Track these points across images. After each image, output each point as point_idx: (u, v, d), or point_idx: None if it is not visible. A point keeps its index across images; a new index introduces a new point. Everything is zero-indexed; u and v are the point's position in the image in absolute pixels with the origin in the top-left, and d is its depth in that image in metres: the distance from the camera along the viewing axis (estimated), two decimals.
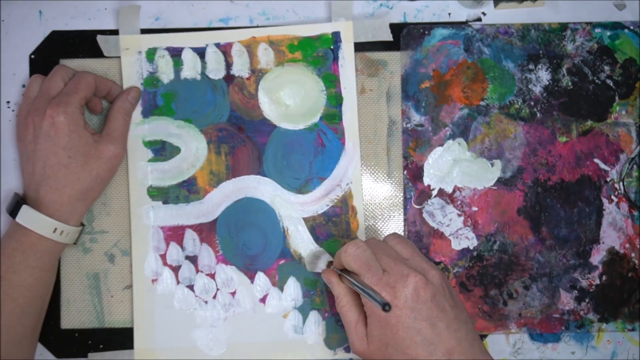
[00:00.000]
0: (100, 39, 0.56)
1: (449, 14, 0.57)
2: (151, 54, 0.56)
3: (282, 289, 0.55)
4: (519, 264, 0.55)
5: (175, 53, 0.56)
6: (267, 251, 0.55)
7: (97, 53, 0.56)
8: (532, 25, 0.56)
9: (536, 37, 0.56)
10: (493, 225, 0.55)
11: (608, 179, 0.56)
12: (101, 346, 0.55)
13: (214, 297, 0.55)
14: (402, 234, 0.56)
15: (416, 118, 0.56)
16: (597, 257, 0.55)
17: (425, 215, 0.55)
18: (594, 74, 0.56)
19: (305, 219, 0.55)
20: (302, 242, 0.55)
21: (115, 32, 0.56)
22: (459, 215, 0.55)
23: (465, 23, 0.57)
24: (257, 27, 0.56)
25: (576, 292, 0.55)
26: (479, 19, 0.57)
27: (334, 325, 0.54)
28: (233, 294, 0.55)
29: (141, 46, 0.56)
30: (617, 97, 0.56)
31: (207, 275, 0.55)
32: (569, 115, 0.56)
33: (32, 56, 0.56)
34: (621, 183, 0.56)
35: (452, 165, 0.55)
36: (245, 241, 0.55)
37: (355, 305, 0.47)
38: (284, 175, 0.55)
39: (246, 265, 0.55)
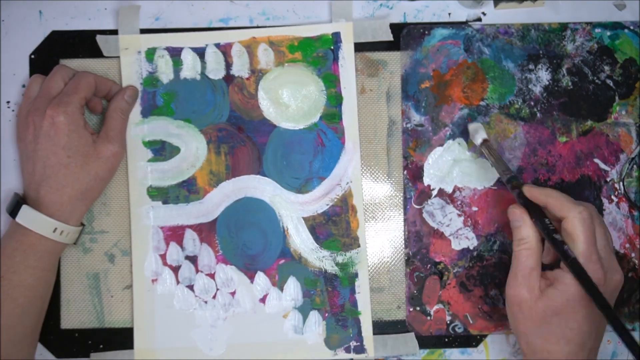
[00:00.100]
0: (99, 39, 0.56)
1: (449, 14, 0.57)
2: (151, 54, 0.56)
3: (282, 289, 0.55)
4: None
5: (175, 53, 0.56)
6: (267, 251, 0.55)
7: (97, 53, 0.56)
8: (532, 25, 0.56)
9: (536, 37, 0.56)
10: (493, 225, 0.55)
11: (608, 179, 0.56)
12: (101, 346, 0.55)
13: (214, 297, 0.55)
14: (402, 234, 0.56)
15: (416, 118, 0.56)
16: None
17: (425, 215, 0.55)
18: (594, 74, 0.56)
19: (305, 219, 0.55)
20: (302, 242, 0.55)
21: (115, 32, 0.56)
22: (459, 215, 0.55)
23: (465, 23, 0.57)
24: (257, 27, 0.56)
25: None
26: (479, 19, 0.57)
27: (334, 325, 0.54)
28: (233, 294, 0.55)
29: (141, 46, 0.56)
30: (617, 97, 0.56)
31: (207, 275, 0.55)
32: (569, 115, 0.56)
33: (32, 56, 0.56)
34: (621, 183, 0.56)
35: (452, 165, 0.55)
36: (245, 241, 0.55)
37: (536, 253, 0.46)
38: (284, 175, 0.55)
39: (246, 265, 0.55)
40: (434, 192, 0.56)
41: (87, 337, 0.55)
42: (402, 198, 0.56)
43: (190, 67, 0.56)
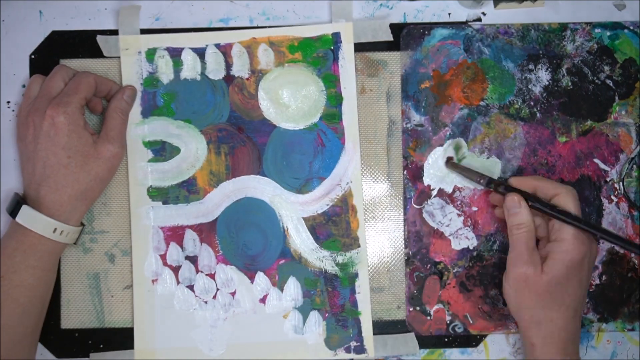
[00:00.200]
0: (100, 39, 0.56)
1: (449, 14, 0.57)
2: (151, 54, 0.56)
3: (282, 289, 0.55)
4: None
5: (175, 53, 0.56)
6: (267, 251, 0.55)
7: (97, 53, 0.56)
8: (532, 26, 0.56)
9: (536, 37, 0.56)
10: (493, 225, 0.55)
11: (608, 179, 0.56)
12: (101, 346, 0.55)
13: (214, 297, 0.55)
14: (402, 234, 0.56)
15: (416, 118, 0.56)
16: (597, 257, 0.55)
17: (425, 215, 0.55)
18: (594, 74, 0.56)
19: (305, 219, 0.55)
20: (302, 242, 0.55)
21: (115, 32, 0.56)
22: (459, 215, 0.55)
23: (465, 23, 0.57)
24: (257, 27, 0.56)
25: None
26: (479, 19, 0.57)
27: (334, 326, 0.54)
28: (233, 294, 0.55)
29: (141, 46, 0.56)
30: (617, 97, 0.56)
31: (207, 275, 0.55)
32: (568, 115, 0.56)
33: (32, 56, 0.56)
34: (621, 183, 0.56)
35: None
36: (245, 241, 0.55)
37: (534, 235, 0.50)
38: (284, 175, 0.55)
39: (246, 265, 0.55)
40: (434, 192, 0.56)
41: (87, 337, 0.55)
42: (402, 198, 0.56)
43: (190, 68, 0.56)
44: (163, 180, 0.55)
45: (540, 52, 0.56)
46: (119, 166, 0.54)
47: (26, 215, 0.49)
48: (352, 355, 0.54)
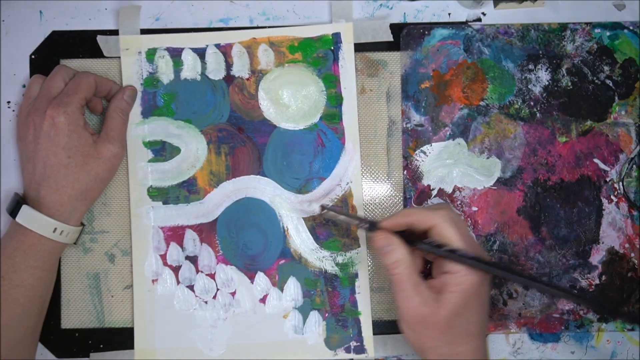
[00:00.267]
0: (100, 39, 0.56)
1: (449, 14, 0.57)
2: (151, 54, 0.56)
3: (282, 289, 0.55)
4: (519, 263, 0.55)
5: (175, 53, 0.56)
6: (267, 251, 0.55)
7: (97, 53, 0.56)
8: (531, 26, 0.56)
9: (536, 37, 0.56)
10: (493, 225, 0.55)
11: (608, 179, 0.56)
12: (101, 346, 0.55)
13: (214, 297, 0.55)
14: None
15: (416, 118, 0.56)
16: (597, 257, 0.55)
17: None
18: (594, 74, 0.56)
19: (305, 219, 0.55)
20: (302, 242, 0.55)
21: (115, 32, 0.56)
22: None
23: (465, 23, 0.57)
24: (258, 27, 0.56)
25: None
26: (479, 19, 0.57)
27: (334, 326, 0.54)
28: (233, 294, 0.55)
29: (141, 46, 0.56)
30: (616, 97, 0.56)
31: (207, 275, 0.55)
32: (568, 115, 0.56)
33: (33, 56, 0.56)
34: (621, 183, 0.56)
35: (452, 165, 0.56)
36: (246, 241, 0.55)
37: (416, 269, 0.46)
38: (284, 175, 0.55)
39: (246, 265, 0.55)
40: (434, 192, 0.56)
41: (87, 337, 0.55)
42: (402, 198, 0.56)
43: (190, 68, 0.56)
44: (163, 180, 0.55)
45: (540, 52, 0.56)
46: (119, 166, 0.54)
47: (26, 215, 0.49)
48: (352, 355, 0.54)
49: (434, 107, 0.56)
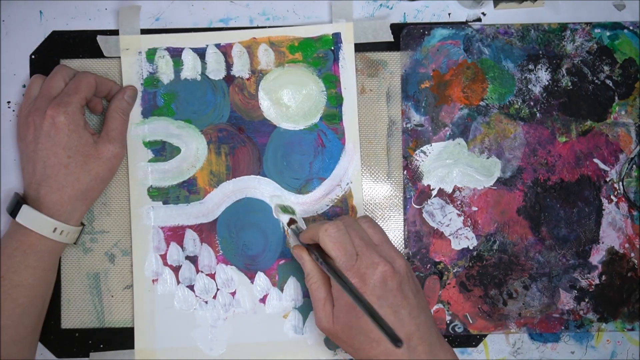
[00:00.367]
0: (100, 39, 0.56)
1: (449, 14, 0.57)
2: (151, 54, 0.56)
3: (282, 289, 0.55)
4: (519, 263, 0.55)
5: (176, 53, 0.56)
6: (267, 251, 0.55)
7: (97, 53, 0.56)
8: (531, 26, 0.56)
9: (536, 37, 0.56)
10: (493, 225, 0.56)
11: (607, 179, 0.56)
12: (101, 346, 0.55)
13: (214, 297, 0.55)
14: (402, 234, 0.56)
15: (416, 118, 0.56)
16: (597, 257, 0.55)
17: (425, 215, 0.55)
18: (594, 74, 0.56)
19: (306, 219, 0.55)
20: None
21: (115, 32, 0.56)
22: (459, 215, 0.55)
23: (465, 23, 0.57)
24: (258, 27, 0.56)
25: (576, 292, 0.55)
26: (479, 19, 0.57)
27: None
28: (233, 294, 0.55)
29: (141, 46, 0.56)
30: (616, 97, 0.56)
31: (207, 275, 0.55)
32: (568, 115, 0.56)
33: (33, 56, 0.56)
34: (621, 183, 0.56)
35: (452, 165, 0.56)
36: (246, 241, 0.55)
37: (324, 283, 0.48)
38: (284, 176, 0.55)
39: (246, 265, 0.55)
40: (434, 192, 0.56)
41: (87, 337, 0.55)
42: (402, 198, 0.56)
43: (190, 68, 0.56)
44: (163, 180, 0.55)
45: (540, 52, 0.56)
46: (119, 166, 0.54)
47: (26, 215, 0.49)
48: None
49: (434, 107, 0.56)
